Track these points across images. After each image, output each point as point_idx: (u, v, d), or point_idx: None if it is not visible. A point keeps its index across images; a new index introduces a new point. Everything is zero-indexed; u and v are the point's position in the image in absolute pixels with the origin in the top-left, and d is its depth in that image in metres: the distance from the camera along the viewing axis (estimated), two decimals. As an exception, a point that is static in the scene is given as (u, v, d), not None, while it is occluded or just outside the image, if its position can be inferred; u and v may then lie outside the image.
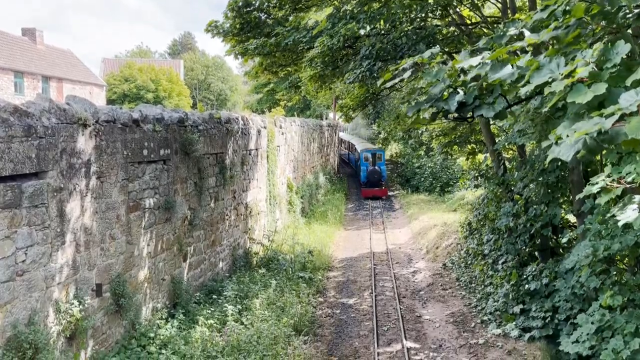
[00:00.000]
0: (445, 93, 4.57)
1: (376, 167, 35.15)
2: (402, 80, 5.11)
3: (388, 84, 5.28)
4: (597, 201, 4.81)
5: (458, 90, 4.50)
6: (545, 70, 3.47)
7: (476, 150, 19.00)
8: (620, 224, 3.78)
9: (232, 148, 14.87)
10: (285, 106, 60.12)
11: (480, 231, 16.40)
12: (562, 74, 3.25)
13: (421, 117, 4.77)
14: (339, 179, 41.08)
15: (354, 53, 14.83)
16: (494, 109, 4.24)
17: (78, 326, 7.92)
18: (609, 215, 7.26)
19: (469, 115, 4.71)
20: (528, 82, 3.54)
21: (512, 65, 4.04)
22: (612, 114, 2.88)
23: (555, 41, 3.93)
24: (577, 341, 7.51)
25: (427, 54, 4.83)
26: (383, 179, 35.91)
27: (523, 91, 3.70)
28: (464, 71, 4.43)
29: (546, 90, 3.41)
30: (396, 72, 5.07)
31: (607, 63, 3.19)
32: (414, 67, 4.95)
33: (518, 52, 5.11)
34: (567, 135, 3.06)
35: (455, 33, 15.40)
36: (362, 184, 36.58)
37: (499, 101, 4.27)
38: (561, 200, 12.21)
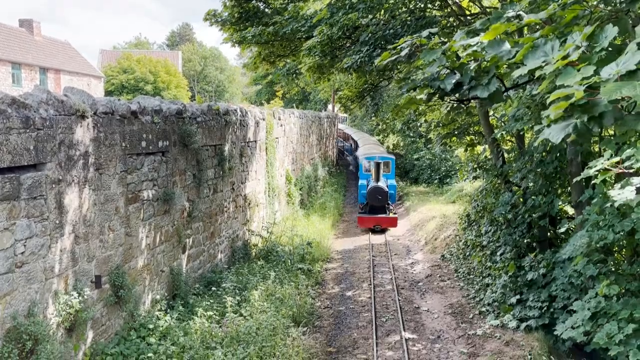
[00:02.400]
0: (442, 74, 4.63)
1: (381, 184, 23.31)
2: (399, 71, 5.12)
3: (386, 62, 5.27)
4: (593, 181, 4.86)
5: (455, 72, 4.57)
6: (540, 52, 3.52)
7: (475, 141, 18.99)
8: (617, 204, 3.83)
9: (230, 140, 14.85)
10: (284, 98, 60.04)
11: (479, 223, 16.44)
12: (555, 59, 3.29)
13: (417, 96, 4.82)
14: (337, 170, 41.09)
15: (353, 43, 14.76)
16: (488, 89, 4.34)
17: (77, 317, 7.95)
18: (607, 205, 7.28)
19: (465, 98, 4.75)
20: (522, 63, 3.58)
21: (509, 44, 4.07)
22: (589, 82, 2.95)
23: (553, 21, 3.95)
24: (572, 327, 7.56)
25: (425, 33, 4.85)
26: (391, 201, 24.04)
27: (517, 74, 3.74)
28: (458, 56, 4.46)
29: (537, 73, 3.46)
30: (394, 52, 5.08)
31: (596, 47, 3.26)
32: (411, 49, 4.95)
33: (516, 35, 5.12)
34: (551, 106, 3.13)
35: (455, 24, 15.35)
36: (360, 207, 24.31)
37: (493, 82, 4.35)
38: (559, 192, 12.23)
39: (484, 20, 4.72)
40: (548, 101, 3.13)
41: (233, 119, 14.98)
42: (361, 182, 25.63)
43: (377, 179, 23.50)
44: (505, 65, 4.26)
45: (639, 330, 6.44)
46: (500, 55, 3.99)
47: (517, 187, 13.10)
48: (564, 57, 3.23)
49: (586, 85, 2.96)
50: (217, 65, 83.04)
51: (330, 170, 37.59)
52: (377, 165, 23.55)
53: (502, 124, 14.67)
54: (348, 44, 15.07)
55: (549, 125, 3.26)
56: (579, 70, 3.09)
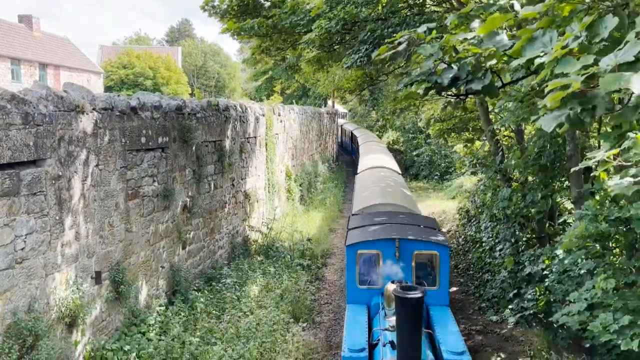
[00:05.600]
0: (439, 68, 4.67)
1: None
2: (398, 66, 5.14)
3: (384, 56, 5.30)
4: (593, 173, 4.89)
5: (452, 66, 4.61)
6: (538, 43, 3.55)
7: (474, 137, 18.98)
8: (612, 193, 3.86)
9: (230, 136, 14.84)
10: (284, 94, 59.96)
11: (479, 218, 16.45)
12: (554, 49, 3.32)
13: (415, 90, 4.84)
14: (337, 166, 41.07)
15: (352, 38, 14.71)
16: (482, 82, 4.39)
17: (78, 313, 7.97)
18: (605, 200, 7.28)
19: (461, 93, 4.79)
20: (520, 55, 3.61)
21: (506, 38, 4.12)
22: (587, 72, 2.98)
23: (551, 14, 3.98)
24: (567, 314, 7.58)
25: (422, 28, 4.86)
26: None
27: (515, 64, 3.76)
28: (456, 49, 4.49)
29: (536, 61, 3.48)
30: (391, 46, 5.10)
31: (595, 37, 3.29)
32: (410, 45, 4.97)
33: (515, 29, 5.14)
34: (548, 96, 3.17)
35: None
36: None
37: (487, 75, 4.41)
38: (558, 188, 12.24)
39: (477, 7, 4.74)
40: (546, 90, 3.16)
41: (233, 114, 14.98)
42: (349, 335, 7.67)
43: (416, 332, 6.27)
44: (502, 62, 4.28)
45: (634, 322, 6.46)
46: (497, 46, 4.02)
47: (516, 183, 13.10)
48: (563, 47, 3.25)
49: (585, 76, 2.99)
50: (217, 60, 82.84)
51: (330, 166, 37.57)
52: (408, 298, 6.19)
53: (500, 118, 14.68)
54: (347, 39, 15.01)
55: (544, 114, 3.32)
56: (578, 60, 3.11)
